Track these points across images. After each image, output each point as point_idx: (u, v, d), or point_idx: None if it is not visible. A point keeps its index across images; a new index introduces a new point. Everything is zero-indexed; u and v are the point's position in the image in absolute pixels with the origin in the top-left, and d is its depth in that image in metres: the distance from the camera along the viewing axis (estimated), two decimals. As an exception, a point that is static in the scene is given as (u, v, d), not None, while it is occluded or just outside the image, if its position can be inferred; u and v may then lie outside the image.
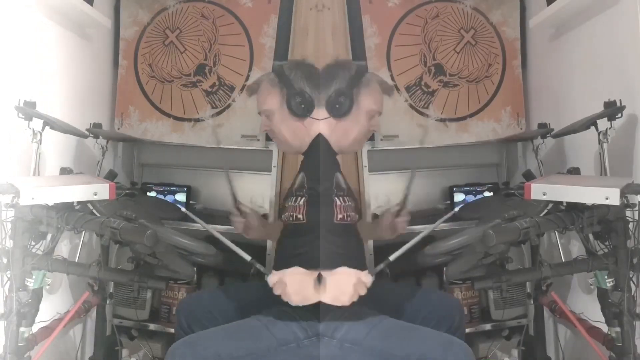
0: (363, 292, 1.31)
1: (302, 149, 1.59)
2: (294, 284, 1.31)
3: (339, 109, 1.53)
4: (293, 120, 1.55)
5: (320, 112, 1.54)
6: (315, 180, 1.51)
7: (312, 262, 1.36)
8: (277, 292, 1.31)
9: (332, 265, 1.34)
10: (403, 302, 1.58)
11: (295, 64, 1.64)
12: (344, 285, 1.30)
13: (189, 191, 2.48)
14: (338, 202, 1.55)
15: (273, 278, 1.33)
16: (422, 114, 2.50)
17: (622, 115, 1.65)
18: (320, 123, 1.55)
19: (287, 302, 1.34)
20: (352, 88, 1.55)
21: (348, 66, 1.60)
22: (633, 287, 1.48)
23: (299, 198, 1.55)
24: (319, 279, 1.30)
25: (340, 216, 1.53)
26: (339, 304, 1.30)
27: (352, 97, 1.54)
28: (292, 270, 1.34)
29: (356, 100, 1.55)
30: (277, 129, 1.60)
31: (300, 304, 1.31)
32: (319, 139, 1.55)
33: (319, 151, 1.54)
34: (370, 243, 2.29)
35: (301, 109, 1.53)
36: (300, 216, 1.53)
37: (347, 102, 1.53)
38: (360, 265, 1.43)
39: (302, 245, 1.46)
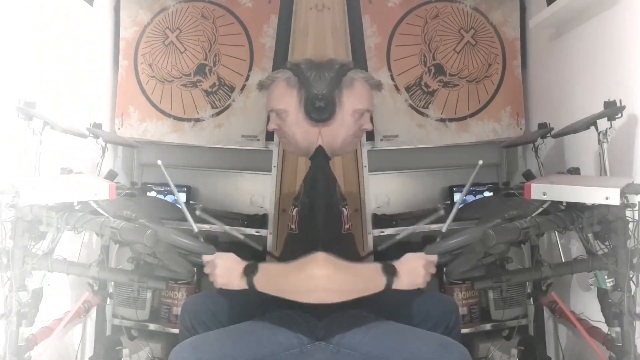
0: (433, 270, 1.43)
1: (308, 154, 1.53)
2: (223, 268, 1.42)
3: (320, 114, 1.47)
4: (308, 124, 1.49)
5: None
6: (309, 192, 1.50)
7: None
8: (206, 271, 1.44)
9: None
10: (400, 305, 1.57)
11: (315, 65, 1.53)
12: (415, 269, 1.41)
13: (189, 191, 2.48)
14: (345, 212, 1.55)
15: (207, 257, 1.45)
16: (422, 114, 2.50)
17: (622, 115, 1.65)
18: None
19: (289, 305, 1.34)
20: (333, 89, 1.47)
21: (329, 66, 1.51)
22: (633, 287, 1.48)
23: (293, 208, 1.56)
24: (388, 270, 1.37)
25: (347, 226, 1.54)
26: (416, 287, 1.42)
27: (333, 99, 1.47)
28: (225, 255, 1.44)
29: (339, 101, 1.48)
30: (289, 131, 1.53)
31: (224, 287, 1.42)
32: (321, 148, 1.50)
33: (323, 160, 1.50)
34: (370, 242, 2.29)
35: (319, 114, 1.46)
36: (293, 226, 1.54)
37: (329, 106, 1.46)
38: None
39: (296, 256, 1.44)
